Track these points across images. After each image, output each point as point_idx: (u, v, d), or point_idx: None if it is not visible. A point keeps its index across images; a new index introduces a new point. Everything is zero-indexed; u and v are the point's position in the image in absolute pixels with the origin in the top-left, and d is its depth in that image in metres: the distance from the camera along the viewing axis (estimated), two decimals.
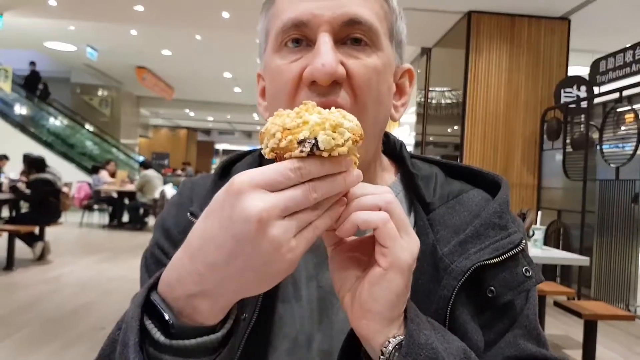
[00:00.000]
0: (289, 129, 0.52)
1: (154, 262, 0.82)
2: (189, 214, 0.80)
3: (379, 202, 0.55)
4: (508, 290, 0.71)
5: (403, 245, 0.56)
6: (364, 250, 0.60)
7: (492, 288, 0.71)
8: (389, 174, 0.86)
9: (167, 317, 0.54)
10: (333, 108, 0.55)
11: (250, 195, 0.49)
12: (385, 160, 0.87)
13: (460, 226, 0.77)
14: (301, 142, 0.51)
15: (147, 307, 0.56)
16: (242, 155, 0.92)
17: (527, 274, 0.73)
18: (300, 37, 0.70)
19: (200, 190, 0.86)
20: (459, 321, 0.70)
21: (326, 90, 0.68)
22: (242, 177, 0.50)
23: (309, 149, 0.51)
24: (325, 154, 0.51)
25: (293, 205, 0.50)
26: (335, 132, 0.52)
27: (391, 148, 0.89)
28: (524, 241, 0.75)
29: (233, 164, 0.90)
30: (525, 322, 0.75)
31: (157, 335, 0.54)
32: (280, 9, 0.73)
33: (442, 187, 0.83)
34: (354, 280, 0.59)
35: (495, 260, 0.71)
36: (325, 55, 0.66)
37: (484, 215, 0.76)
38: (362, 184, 0.57)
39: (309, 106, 0.54)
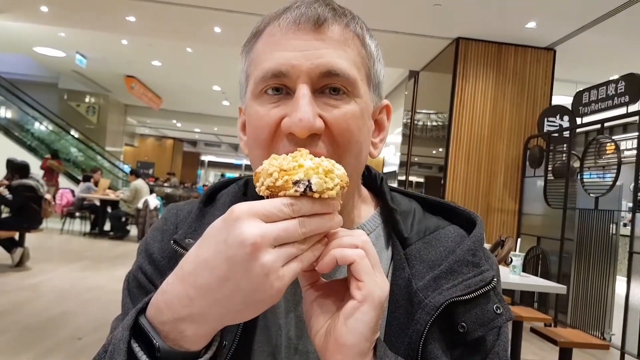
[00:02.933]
0: (285, 170, 0.58)
1: (137, 287, 0.83)
2: (172, 242, 0.80)
3: (356, 241, 0.60)
4: (479, 326, 0.74)
5: (377, 281, 0.60)
6: (336, 293, 0.64)
7: (464, 324, 0.73)
8: (368, 206, 0.88)
9: (154, 342, 0.57)
10: (323, 157, 0.60)
11: (247, 221, 0.53)
12: (365, 192, 0.89)
13: (436, 261, 0.79)
14: (296, 183, 0.56)
15: (135, 330, 0.59)
16: (227, 183, 0.93)
17: (498, 311, 0.75)
18: (279, 86, 0.72)
19: (185, 217, 0.87)
20: (431, 356, 0.71)
21: (304, 142, 0.69)
22: (242, 206, 0.55)
23: (302, 189, 0.56)
24: (316, 195, 0.57)
25: (284, 236, 0.54)
26: (327, 176, 0.58)
27: (372, 181, 0.91)
28: (495, 279, 0.77)
29: (218, 191, 0.91)
30: (496, 359, 0.76)
31: (143, 358, 0.57)
32: (260, 56, 0.74)
33: (419, 223, 0.85)
34: (326, 319, 0.62)
35: (467, 297, 0.73)
36: (303, 109, 0.67)
37: (458, 252, 0.79)
38: (341, 228, 0.62)
39: (303, 152, 0.60)
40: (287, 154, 0.60)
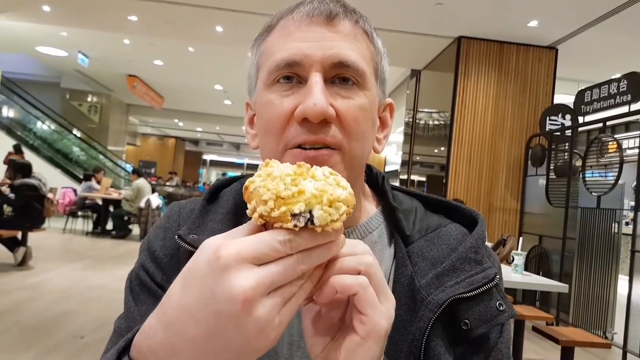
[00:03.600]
0: (283, 198, 0.48)
1: (139, 285, 0.83)
2: (176, 237, 0.80)
3: (359, 265, 0.53)
4: (482, 323, 0.74)
5: (382, 311, 0.54)
6: (337, 307, 0.58)
7: (467, 321, 0.73)
8: (371, 204, 0.89)
9: None
10: (327, 170, 0.54)
11: (237, 271, 0.46)
12: (367, 190, 0.90)
13: (438, 259, 0.79)
14: (295, 215, 0.48)
15: None
16: (230, 181, 0.93)
17: (500, 308, 0.76)
18: (291, 74, 0.74)
19: (188, 214, 0.88)
20: (434, 353, 0.72)
21: (316, 128, 0.70)
22: (229, 250, 0.47)
23: (303, 224, 0.48)
24: (318, 229, 0.49)
25: (280, 280, 0.48)
26: (331, 206, 0.49)
27: (374, 180, 0.92)
28: (498, 276, 0.78)
29: (221, 189, 0.91)
30: (498, 356, 0.77)
31: None
32: (273, 47, 0.76)
33: (421, 221, 0.86)
34: (328, 340, 0.58)
35: (470, 294, 0.74)
36: (317, 95, 0.69)
37: (460, 249, 0.79)
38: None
39: (304, 169, 0.52)
40: (286, 169, 0.52)
